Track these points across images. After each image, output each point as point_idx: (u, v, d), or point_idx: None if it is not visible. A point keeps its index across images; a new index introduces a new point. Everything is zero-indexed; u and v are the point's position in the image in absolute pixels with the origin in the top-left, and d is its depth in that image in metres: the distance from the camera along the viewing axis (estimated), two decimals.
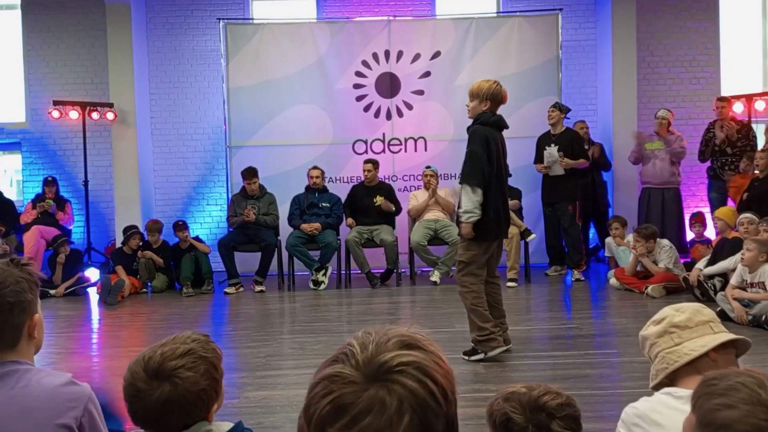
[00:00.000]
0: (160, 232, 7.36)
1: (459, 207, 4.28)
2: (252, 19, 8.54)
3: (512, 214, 7.02)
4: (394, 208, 7.28)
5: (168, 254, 7.32)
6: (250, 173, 7.21)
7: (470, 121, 4.29)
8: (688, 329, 1.66)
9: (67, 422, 1.48)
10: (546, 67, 8.00)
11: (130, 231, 7.28)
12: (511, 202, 7.10)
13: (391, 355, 0.74)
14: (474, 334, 4.17)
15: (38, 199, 7.88)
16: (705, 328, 1.67)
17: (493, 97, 4.18)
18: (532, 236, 7.06)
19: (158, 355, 1.44)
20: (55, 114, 8.02)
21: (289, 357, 4.48)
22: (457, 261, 4.30)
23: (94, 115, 8.05)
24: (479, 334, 4.13)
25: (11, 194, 8.72)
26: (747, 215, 5.93)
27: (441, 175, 7.72)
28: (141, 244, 7.29)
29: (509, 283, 6.77)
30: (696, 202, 8.43)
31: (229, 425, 1.54)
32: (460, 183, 4.23)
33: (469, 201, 4.12)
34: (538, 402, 1.39)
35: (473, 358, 4.15)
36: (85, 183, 8.15)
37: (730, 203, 7.28)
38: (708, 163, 7.64)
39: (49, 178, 8.03)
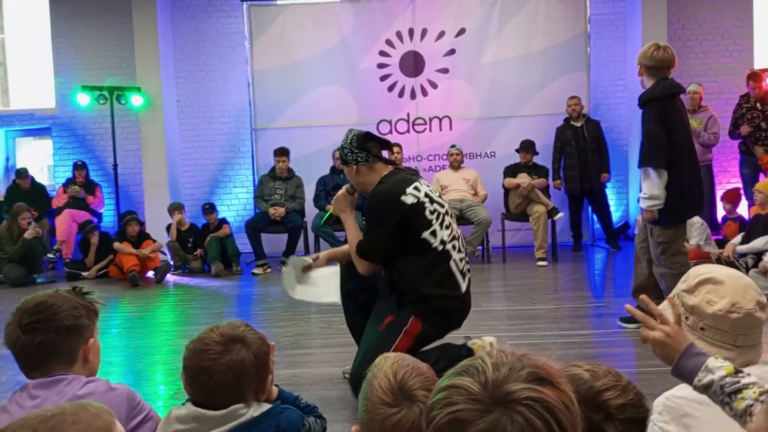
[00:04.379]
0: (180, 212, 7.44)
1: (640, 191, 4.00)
2: (275, 0, 8.52)
3: (539, 193, 7.00)
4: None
5: (199, 236, 7.42)
6: (281, 151, 7.35)
7: None
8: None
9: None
10: (574, 42, 7.86)
11: (127, 217, 7.20)
12: (538, 180, 7.07)
13: (521, 386, 0.71)
14: None
15: (69, 183, 8.02)
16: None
17: (655, 62, 3.82)
18: (560, 215, 7.00)
19: (223, 325, 1.57)
20: (84, 100, 8.10)
21: (316, 336, 4.52)
22: (656, 242, 3.97)
23: (123, 100, 8.13)
24: None
25: (42, 179, 8.89)
26: None
27: (466, 154, 7.66)
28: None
29: (540, 262, 6.73)
30: (728, 177, 8.26)
31: (267, 406, 1.57)
32: (639, 167, 3.91)
33: (653, 185, 3.81)
34: (598, 398, 1.15)
35: None
36: (115, 167, 8.27)
37: (762, 179, 7.12)
38: (740, 138, 7.47)
39: (79, 163, 8.16)
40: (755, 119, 7.23)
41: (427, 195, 3.02)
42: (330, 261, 3.38)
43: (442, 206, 3.07)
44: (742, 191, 7.24)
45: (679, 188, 3.86)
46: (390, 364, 1.32)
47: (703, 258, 6.14)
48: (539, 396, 0.70)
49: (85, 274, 7.18)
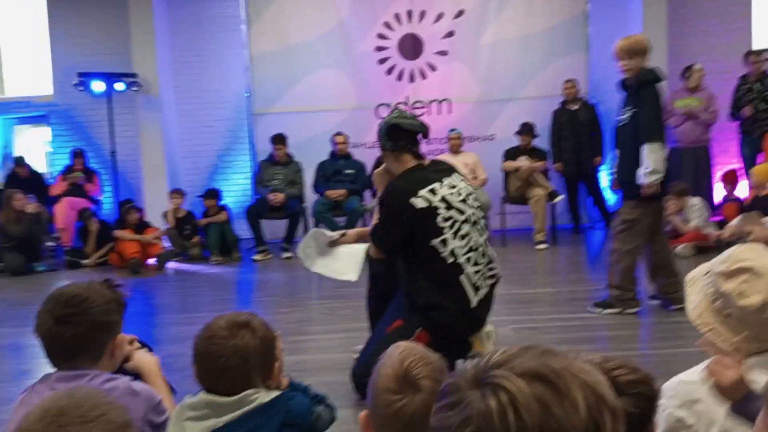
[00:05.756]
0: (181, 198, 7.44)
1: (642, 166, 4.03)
2: None
3: (538, 176, 6.99)
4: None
5: (196, 223, 7.40)
6: (277, 139, 7.30)
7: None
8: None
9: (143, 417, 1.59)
10: (574, 22, 7.81)
11: (126, 205, 7.21)
12: (537, 163, 7.05)
13: (504, 374, 0.68)
14: (617, 292, 4.21)
15: (67, 171, 8.00)
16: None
17: (647, 49, 4.11)
18: (560, 198, 7.00)
19: (229, 313, 1.62)
20: (81, 87, 8.04)
21: (319, 322, 4.53)
22: (621, 218, 4.19)
23: (119, 86, 8.07)
24: (623, 293, 4.18)
25: (40, 166, 8.86)
26: None
27: (466, 137, 7.63)
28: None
29: (539, 245, 6.73)
30: (728, 158, 8.23)
31: (277, 392, 1.58)
32: (645, 143, 3.95)
33: (658, 160, 3.94)
34: (608, 374, 1.18)
35: (607, 311, 4.22)
36: (113, 154, 8.24)
37: (761, 159, 7.11)
38: (741, 119, 7.44)
39: (77, 150, 8.13)
40: (754, 100, 7.20)
41: (444, 199, 2.86)
42: (360, 239, 3.38)
43: (462, 213, 2.90)
44: (743, 170, 7.23)
45: None
46: (399, 351, 1.33)
47: (701, 239, 6.15)
48: (513, 389, 0.66)
49: (85, 262, 7.18)
